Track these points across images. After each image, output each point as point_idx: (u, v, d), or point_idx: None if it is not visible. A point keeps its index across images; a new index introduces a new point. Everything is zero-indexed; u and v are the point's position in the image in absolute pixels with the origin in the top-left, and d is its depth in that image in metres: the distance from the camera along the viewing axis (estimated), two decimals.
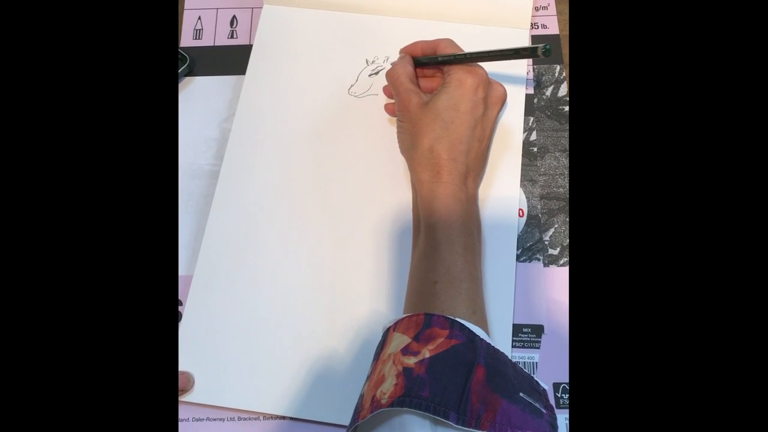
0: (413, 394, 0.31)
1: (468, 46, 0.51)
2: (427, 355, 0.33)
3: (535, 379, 0.34)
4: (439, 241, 0.38)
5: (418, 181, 0.41)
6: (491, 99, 0.43)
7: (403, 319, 0.36)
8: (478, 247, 0.40)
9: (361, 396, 0.35)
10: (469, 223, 0.39)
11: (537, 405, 0.32)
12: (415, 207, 0.42)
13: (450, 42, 0.44)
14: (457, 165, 0.40)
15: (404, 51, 0.46)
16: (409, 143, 0.42)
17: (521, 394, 0.32)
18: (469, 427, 0.30)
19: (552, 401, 0.42)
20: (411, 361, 0.33)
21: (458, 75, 0.41)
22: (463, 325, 0.34)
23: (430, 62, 0.44)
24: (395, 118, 0.44)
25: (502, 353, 0.34)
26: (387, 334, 0.37)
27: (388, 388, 0.32)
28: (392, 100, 0.47)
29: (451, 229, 0.38)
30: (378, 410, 0.32)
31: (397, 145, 0.44)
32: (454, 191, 0.39)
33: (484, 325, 0.37)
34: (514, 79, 0.50)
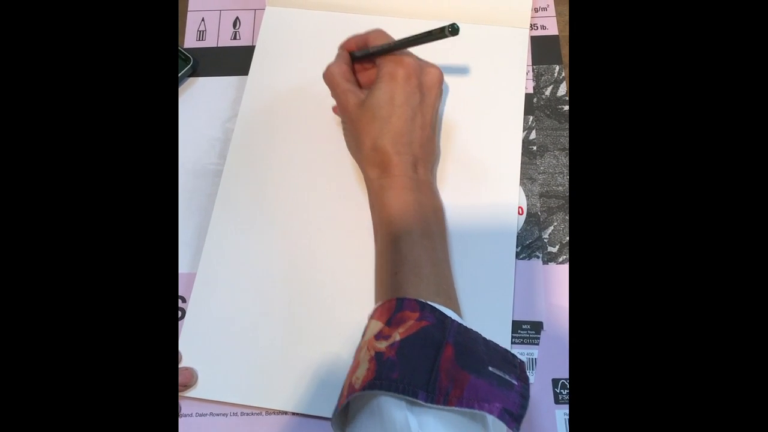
0: (383, 376, 0.32)
1: (467, 46, 0.52)
2: (398, 338, 0.34)
3: (511, 353, 0.35)
4: (395, 233, 0.39)
5: (368, 179, 0.42)
6: (426, 84, 0.43)
7: (378, 306, 0.37)
8: (438, 232, 0.41)
9: (343, 385, 0.36)
10: (424, 210, 0.40)
11: (508, 377, 0.33)
12: (371, 204, 0.43)
13: (380, 32, 0.44)
14: (403, 157, 0.41)
15: (341, 46, 0.46)
16: (354, 145, 0.43)
17: (491, 368, 0.32)
18: (437, 404, 0.31)
19: (551, 396, 0.42)
20: (382, 345, 0.34)
21: (388, 68, 0.42)
22: (433, 307, 0.35)
23: (363, 56, 0.44)
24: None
25: (474, 332, 0.35)
26: (368, 322, 0.38)
27: (362, 373, 0.33)
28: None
29: (405, 219, 0.39)
30: (352, 395, 0.33)
31: None
32: (404, 182, 0.40)
33: (452, 305, 0.37)
34: (513, 79, 0.50)
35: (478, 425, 0.32)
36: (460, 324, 0.35)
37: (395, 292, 0.37)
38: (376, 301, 0.39)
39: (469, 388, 0.31)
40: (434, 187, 0.44)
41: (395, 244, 0.38)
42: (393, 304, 0.35)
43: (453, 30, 0.37)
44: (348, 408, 0.35)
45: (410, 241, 0.38)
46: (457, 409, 0.31)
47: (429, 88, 0.43)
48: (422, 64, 0.43)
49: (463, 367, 0.32)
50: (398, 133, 0.41)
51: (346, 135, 0.44)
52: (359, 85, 0.45)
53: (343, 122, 0.44)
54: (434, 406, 0.31)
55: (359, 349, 0.36)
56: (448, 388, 0.31)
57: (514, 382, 0.32)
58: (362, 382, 0.33)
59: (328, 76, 0.44)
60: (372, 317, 0.37)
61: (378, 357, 0.33)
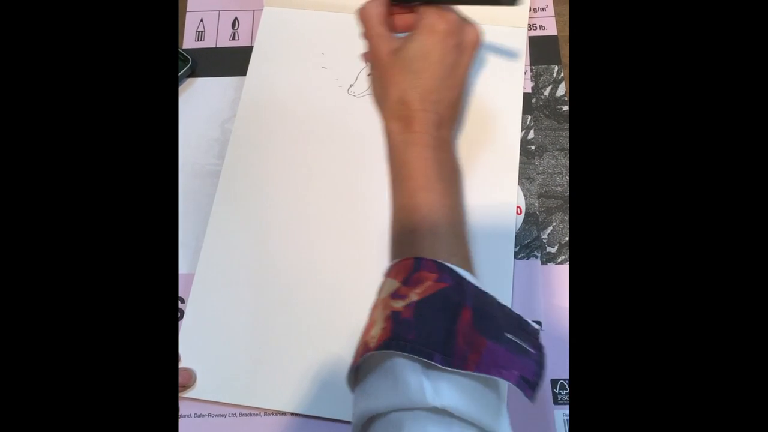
0: (399, 337, 0.31)
1: None
2: (415, 298, 0.33)
3: (526, 319, 0.34)
4: (413, 190, 0.38)
5: (390, 132, 0.41)
6: (464, 44, 0.41)
7: (394, 264, 0.36)
8: (456, 192, 0.40)
9: (357, 343, 0.35)
10: (444, 169, 0.39)
11: (524, 345, 0.32)
12: (389, 158, 0.41)
13: None
14: (428, 115, 0.40)
15: None
16: (380, 93, 0.42)
17: (508, 335, 0.32)
18: (454, 368, 0.30)
19: (548, 393, 0.42)
20: (399, 304, 0.33)
21: (430, 20, 0.40)
22: (451, 268, 0.34)
23: (405, 1, 0.42)
24: None
25: (491, 296, 0.34)
26: (383, 280, 0.37)
27: (377, 332, 0.33)
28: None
29: (425, 177, 0.38)
30: (367, 354, 0.32)
31: None
32: (427, 140, 0.39)
33: (467, 267, 0.37)
34: (511, 78, 0.50)
35: (493, 393, 0.32)
36: (477, 287, 0.34)
37: (411, 250, 0.36)
38: (391, 259, 0.39)
39: (486, 353, 0.31)
40: (455, 149, 0.43)
41: (413, 200, 0.38)
42: (410, 264, 0.35)
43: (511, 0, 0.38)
44: (359, 366, 0.34)
45: (429, 200, 0.37)
46: (473, 374, 0.30)
47: (465, 49, 0.42)
48: (463, 23, 0.41)
49: (481, 332, 0.31)
50: (428, 89, 0.40)
51: (372, 82, 0.43)
52: (394, 29, 0.43)
53: (372, 69, 0.42)
54: (450, 369, 0.30)
55: (374, 307, 0.35)
56: (466, 351, 0.30)
57: (531, 350, 0.32)
58: (377, 341, 0.32)
59: (364, 15, 0.42)
60: (387, 275, 0.36)
61: (394, 316, 0.32)
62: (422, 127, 0.39)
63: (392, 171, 0.41)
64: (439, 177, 0.38)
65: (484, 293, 0.34)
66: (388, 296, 0.34)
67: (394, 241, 0.39)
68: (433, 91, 0.40)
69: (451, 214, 0.38)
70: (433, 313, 0.32)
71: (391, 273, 0.36)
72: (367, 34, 0.42)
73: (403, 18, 0.43)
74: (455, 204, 0.39)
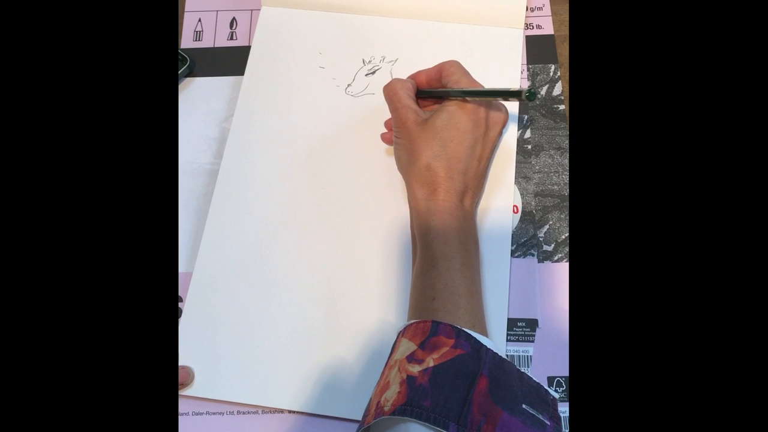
0: (415, 403, 0.31)
1: (462, 46, 0.52)
2: (431, 364, 0.33)
3: (545, 388, 0.34)
4: (436, 258, 0.38)
5: (414, 198, 0.41)
6: (492, 119, 0.43)
7: (411, 324, 0.36)
8: (476, 262, 0.40)
9: (370, 400, 0.35)
10: (466, 239, 0.40)
11: (540, 417, 0.32)
12: (413, 223, 0.42)
13: (455, 63, 0.44)
14: (454, 183, 0.40)
15: (409, 77, 0.46)
16: (406, 160, 0.42)
17: (524, 406, 0.32)
18: None
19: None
20: (415, 369, 0.33)
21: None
22: (469, 334, 0.34)
23: (431, 95, 0.44)
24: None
25: (509, 363, 0.34)
26: (397, 338, 0.37)
27: (392, 395, 0.33)
28: (389, 132, 0.47)
29: (447, 245, 0.38)
30: (380, 417, 0.32)
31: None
32: (451, 208, 0.40)
33: (485, 333, 0.37)
34: (508, 78, 0.50)
35: None
36: (495, 354, 0.34)
37: (429, 317, 0.36)
38: (409, 317, 0.39)
39: (501, 425, 0.31)
40: (476, 220, 0.43)
41: (436, 269, 0.38)
42: (428, 327, 0.35)
43: (530, 95, 0.37)
44: (370, 427, 0.34)
45: (451, 269, 0.38)
46: None
47: (495, 124, 0.43)
48: (492, 101, 0.43)
49: (497, 402, 0.31)
50: (455, 158, 0.40)
51: (397, 151, 0.43)
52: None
53: (397, 138, 0.43)
54: None
55: (389, 367, 0.35)
56: (480, 422, 0.30)
57: (547, 422, 0.32)
58: (392, 406, 0.32)
59: (390, 90, 0.43)
60: (403, 335, 0.36)
61: (410, 381, 0.33)
62: (447, 195, 0.40)
63: (416, 236, 0.41)
64: (462, 247, 0.39)
65: (503, 360, 0.34)
66: (404, 359, 0.34)
67: (414, 306, 0.39)
68: (461, 160, 0.40)
69: (471, 285, 0.38)
70: (449, 381, 0.32)
71: (407, 333, 0.36)
72: (394, 106, 0.43)
73: (425, 103, 0.45)
74: (475, 275, 0.39)
